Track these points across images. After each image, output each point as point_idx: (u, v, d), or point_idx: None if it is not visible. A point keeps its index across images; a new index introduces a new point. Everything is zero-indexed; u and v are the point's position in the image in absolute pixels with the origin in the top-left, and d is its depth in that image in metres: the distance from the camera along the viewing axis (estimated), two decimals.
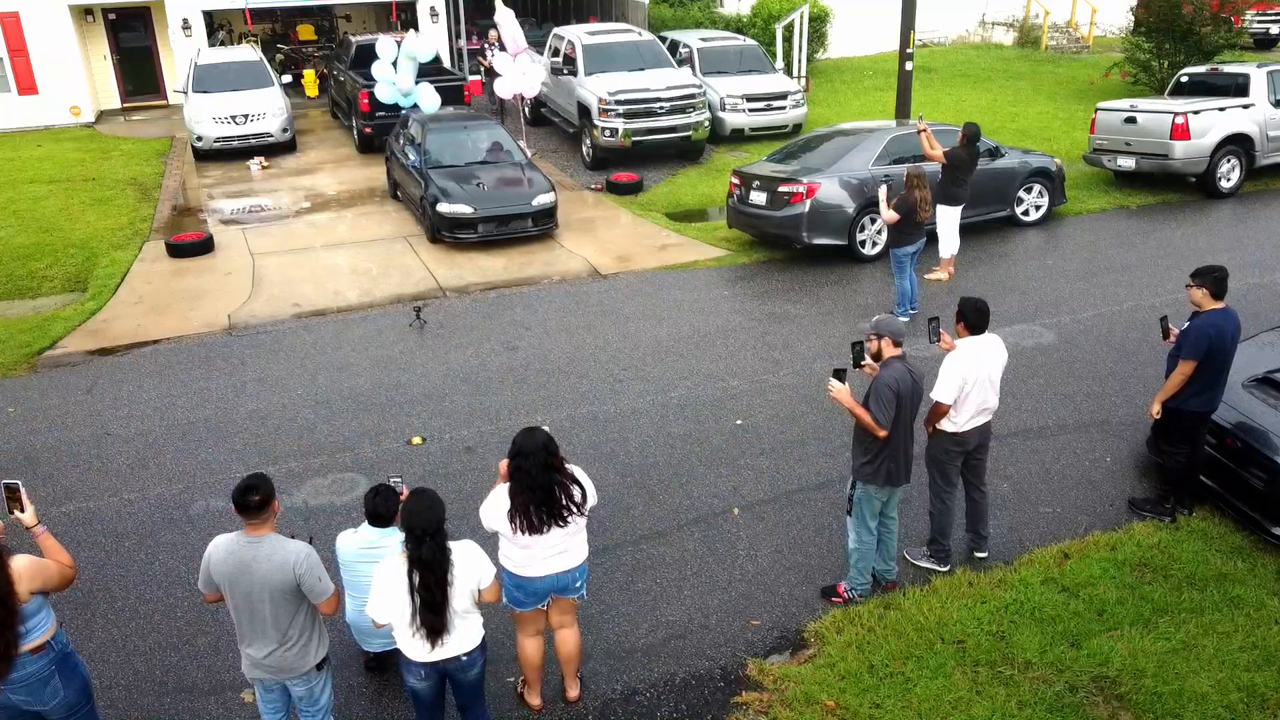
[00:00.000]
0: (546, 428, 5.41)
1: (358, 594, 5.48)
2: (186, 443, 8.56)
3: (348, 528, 5.70)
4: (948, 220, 11.67)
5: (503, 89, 16.66)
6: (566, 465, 5.07)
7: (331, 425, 8.77)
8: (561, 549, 5.13)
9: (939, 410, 6.23)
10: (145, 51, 23.55)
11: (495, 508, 5.06)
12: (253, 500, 4.50)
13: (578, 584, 5.32)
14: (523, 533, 4.98)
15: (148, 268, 13.03)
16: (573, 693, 5.63)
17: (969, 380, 6.16)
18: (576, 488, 5.07)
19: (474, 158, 14.29)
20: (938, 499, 6.56)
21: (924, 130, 11.94)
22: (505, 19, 16.89)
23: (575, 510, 5.04)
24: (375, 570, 4.66)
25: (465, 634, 4.70)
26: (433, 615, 4.52)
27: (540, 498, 4.94)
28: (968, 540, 6.77)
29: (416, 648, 4.64)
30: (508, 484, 5.01)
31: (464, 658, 4.73)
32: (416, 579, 4.48)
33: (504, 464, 5.07)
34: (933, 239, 11.58)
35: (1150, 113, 14.51)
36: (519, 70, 16.50)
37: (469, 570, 4.62)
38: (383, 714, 5.58)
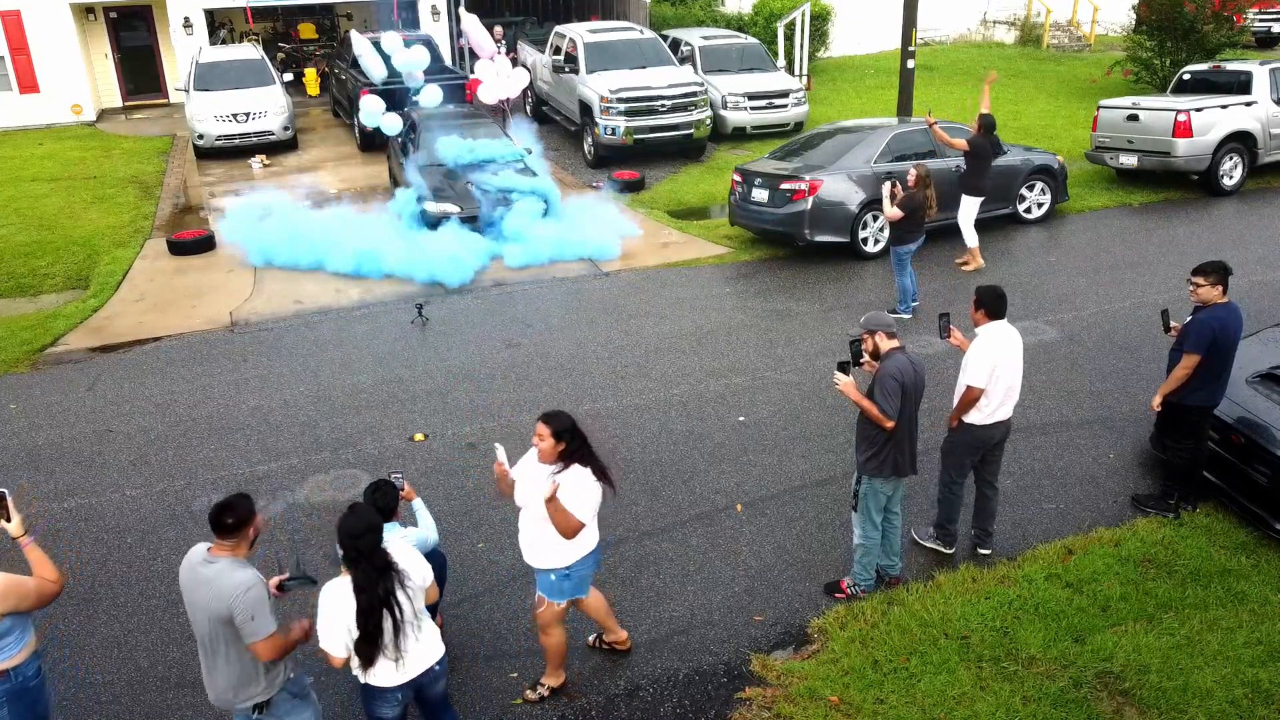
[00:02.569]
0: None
1: None
2: (188, 439, 8.55)
3: None
4: (968, 211, 11.75)
5: (486, 95, 16.55)
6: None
7: (333, 422, 8.77)
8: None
9: (971, 395, 6.16)
10: (146, 50, 23.53)
11: (589, 492, 5.02)
12: (226, 520, 4.24)
13: None
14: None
15: (149, 265, 13.03)
16: (623, 635, 5.79)
17: (999, 363, 6.14)
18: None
19: (467, 156, 14.24)
20: (947, 489, 6.57)
21: (934, 124, 11.99)
22: (470, 24, 16.78)
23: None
24: (321, 602, 4.35)
25: (431, 642, 4.54)
26: (383, 645, 4.30)
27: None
28: (972, 536, 6.76)
29: (389, 671, 4.41)
30: (584, 469, 5.01)
31: (436, 667, 4.55)
32: (361, 604, 4.23)
33: (549, 445, 4.99)
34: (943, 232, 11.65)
35: (1152, 110, 14.49)
36: (495, 73, 16.39)
37: (417, 573, 4.45)
38: None
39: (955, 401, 6.34)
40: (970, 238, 11.91)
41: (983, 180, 11.80)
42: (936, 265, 12.06)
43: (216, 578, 4.20)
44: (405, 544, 4.58)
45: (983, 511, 6.71)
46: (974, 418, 6.29)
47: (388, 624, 4.26)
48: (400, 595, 4.28)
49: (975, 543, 6.76)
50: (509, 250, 12.71)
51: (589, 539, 5.20)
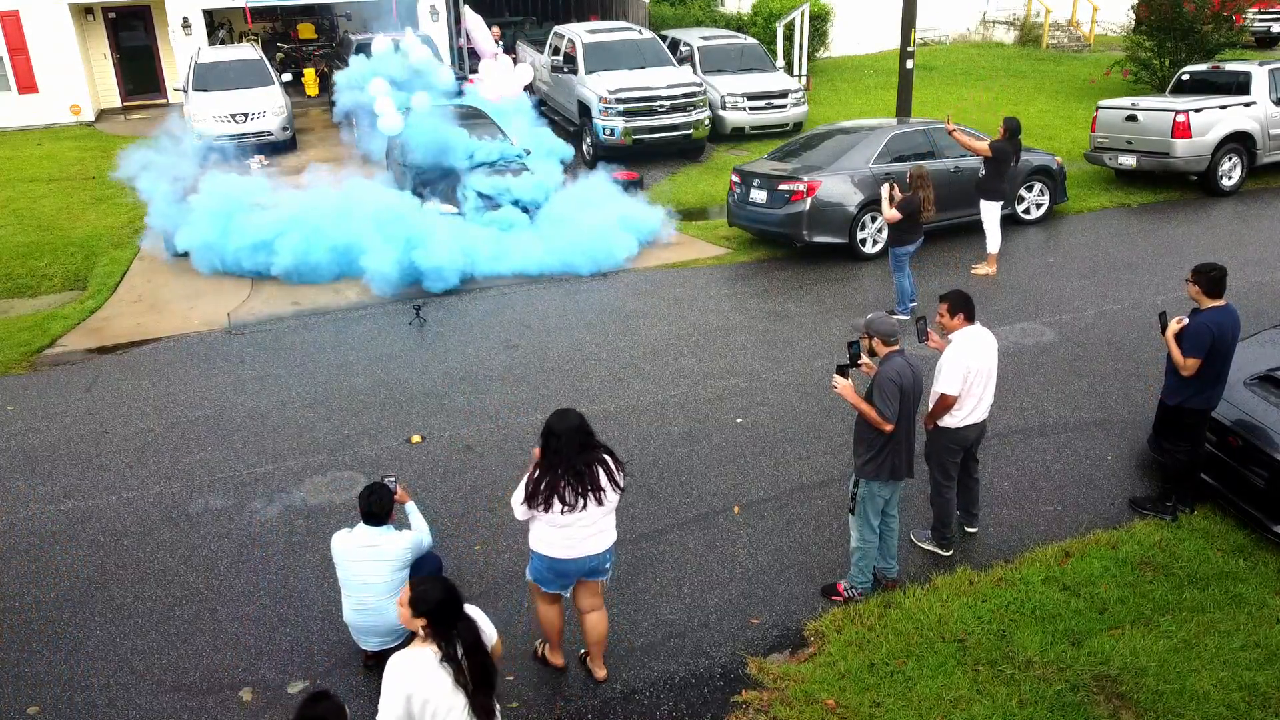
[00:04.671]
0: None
1: (354, 593, 5.47)
2: (185, 441, 8.54)
3: (344, 527, 5.69)
4: (991, 216, 11.72)
5: (487, 92, 16.59)
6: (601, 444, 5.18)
7: (330, 423, 8.76)
8: (599, 529, 5.22)
9: (945, 402, 6.23)
10: (145, 50, 23.50)
11: (520, 490, 5.10)
12: None
13: (607, 565, 5.42)
14: (560, 513, 5.01)
15: (147, 266, 13.00)
16: (601, 673, 5.66)
17: (972, 370, 6.19)
18: (614, 462, 5.16)
19: (465, 154, 14.20)
20: (937, 494, 6.62)
21: (954, 130, 11.95)
22: (474, 24, 16.87)
23: (613, 486, 5.14)
24: (391, 673, 4.03)
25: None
26: (490, 693, 4.04)
27: (574, 478, 4.99)
28: (959, 518, 6.83)
29: None
30: (531, 478, 5.05)
31: None
32: (465, 668, 3.97)
33: (537, 449, 5.08)
34: (966, 233, 11.60)
35: (1151, 111, 14.48)
36: (497, 70, 16.46)
37: (489, 636, 4.22)
38: None
39: (929, 405, 6.39)
40: (994, 243, 11.86)
41: (1001, 184, 11.77)
42: (936, 266, 12.05)
43: None
44: (477, 610, 4.26)
45: (967, 495, 6.82)
46: (948, 421, 6.37)
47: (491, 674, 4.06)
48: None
49: (962, 522, 6.87)
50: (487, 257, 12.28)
51: (546, 546, 5.22)
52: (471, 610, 4.19)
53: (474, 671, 3.97)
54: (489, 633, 4.21)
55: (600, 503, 5.12)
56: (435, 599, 3.98)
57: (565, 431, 4.99)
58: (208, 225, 12.32)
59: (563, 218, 13.07)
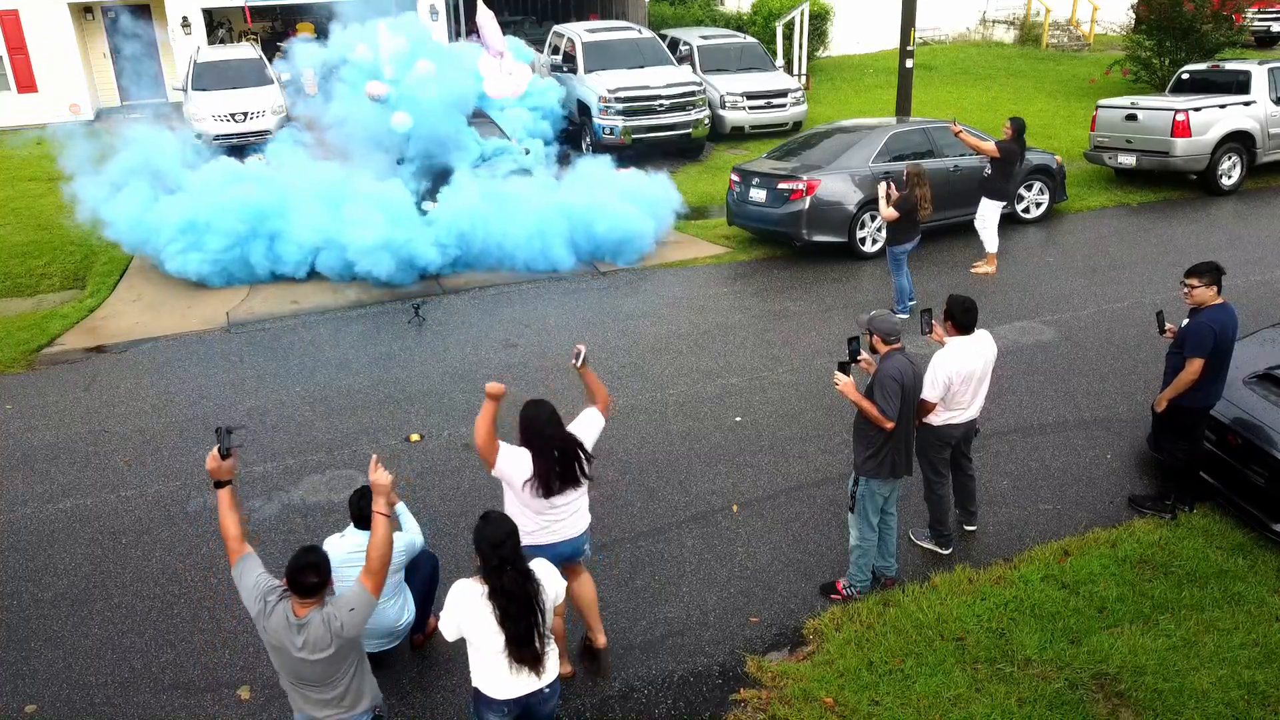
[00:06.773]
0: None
1: None
2: (184, 440, 8.53)
3: (343, 526, 5.67)
4: (990, 215, 11.73)
5: (491, 91, 16.62)
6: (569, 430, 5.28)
7: (329, 422, 8.75)
8: (574, 510, 5.30)
9: (924, 408, 6.26)
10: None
11: (516, 464, 5.07)
12: (310, 581, 4.13)
13: (585, 545, 5.52)
14: (542, 496, 5.09)
15: (147, 265, 12.98)
16: (601, 639, 5.71)
17: (955, 380, 6.22)
18: (582, 449, 5.25)
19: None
20: (930, 490, 6.64)
21: (960, 131, 11.95)
22: (485, 19, 16.88)
23: (585, 471, 5.23)
24: (450, 592, 4.39)
25: (547, 664, 4.41)
26: (532, 648, 4.26)
27: (556, 461, 5.09)
28: (957, 516, 6.84)
29: (500, 683, 4.32)
30: (523, 449, 5.08)
31: (545, 690, 4.41)
32: (504, 609, 4.21)
33: (493, 386, 5.12)
34: (966, 232, 11.75)
35: (1151, 110, 14.48)
36: (503, 71, 16.49)
37: (551, 589, 4.42)
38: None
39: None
40: (990, 243, 11.83)
41: (1006, 184, 11.78)
42: (936, 265, 12.05)
43: (329, 618, 4.19)
44: (545, 562, 4.54)
45: (963, 492, 6.83)
46: (931, 419, 6.40)
47: (532, 628, 4.25)
48: (539, 603, 4.28)
49: (960, 521, 6.88)
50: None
51: (531, 537, 5.16)
52: (536, 564, 4.41)
53: (512, 620, 4.19)
54: (550, 586, 4.39)
55: (579, 482, 5.23)
56: (481, 533, 4.27)
57: (545, 419, 5.11)
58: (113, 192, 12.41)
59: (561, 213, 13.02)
